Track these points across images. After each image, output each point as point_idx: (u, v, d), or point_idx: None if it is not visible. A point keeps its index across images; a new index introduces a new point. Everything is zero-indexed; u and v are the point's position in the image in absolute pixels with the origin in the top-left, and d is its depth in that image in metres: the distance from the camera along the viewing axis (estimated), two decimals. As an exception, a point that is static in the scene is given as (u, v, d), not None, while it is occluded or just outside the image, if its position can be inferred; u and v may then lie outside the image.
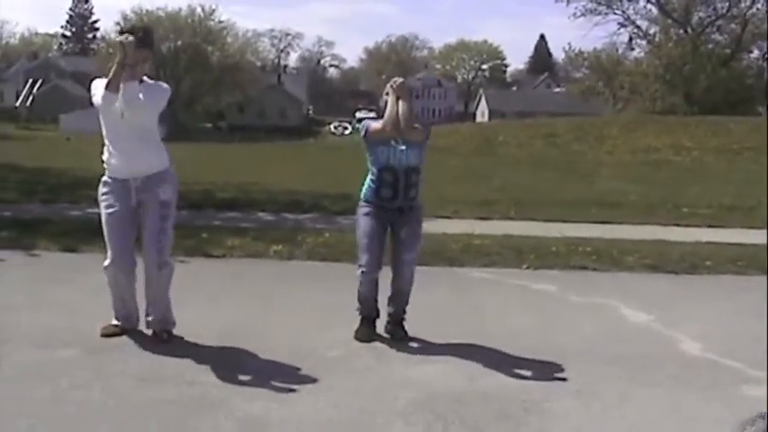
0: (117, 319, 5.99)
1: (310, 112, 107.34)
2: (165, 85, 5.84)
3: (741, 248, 10.14)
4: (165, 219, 5.70)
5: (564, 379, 5.42)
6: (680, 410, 4.79)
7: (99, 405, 4.69)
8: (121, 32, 5.63)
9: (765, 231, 11.04)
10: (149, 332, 5.92)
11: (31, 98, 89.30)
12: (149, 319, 5.91)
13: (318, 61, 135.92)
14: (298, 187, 15.29)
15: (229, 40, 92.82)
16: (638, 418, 4.80)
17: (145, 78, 5.65)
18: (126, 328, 5.95)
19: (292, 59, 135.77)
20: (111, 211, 5.70)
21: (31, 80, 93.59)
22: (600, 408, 4.93)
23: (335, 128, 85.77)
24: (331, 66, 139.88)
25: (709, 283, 8.65)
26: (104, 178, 5.73)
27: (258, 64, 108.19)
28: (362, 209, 6.09)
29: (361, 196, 6.12)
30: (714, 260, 9.42)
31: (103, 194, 5.74)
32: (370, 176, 6.07)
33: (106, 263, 5.78)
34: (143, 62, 5.56)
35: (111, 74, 5.47)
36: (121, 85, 5.43)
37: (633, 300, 7.60)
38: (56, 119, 72.34)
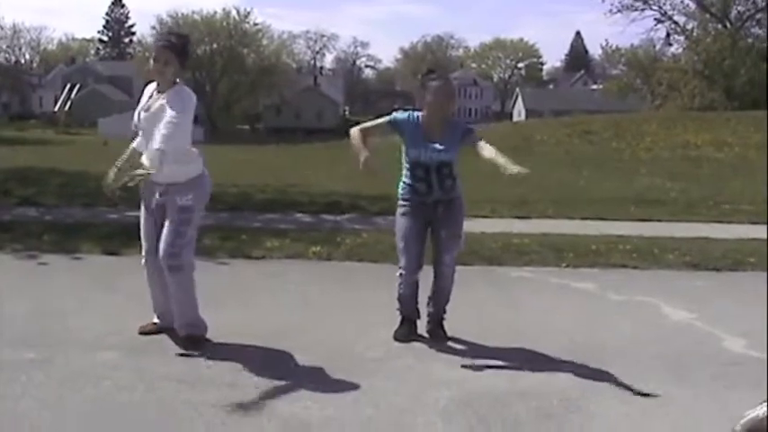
0: (157, 317, 6.05)
1: (347, 113, 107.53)
2: (188, 94, 5.71)
3: (784, 245, 10.02)
4: (181, 223, 5.67)
5: (605, 378, 5.38)
6: (723, 410, 4.73)
7: (142, 407, 4.74)
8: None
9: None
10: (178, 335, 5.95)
11: (69, 103, 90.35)
12: (178, 324, 5.93)
13: (354, 62, 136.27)
14: (336, 188, 15.30)
15: (265, 42, 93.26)
16: (680, 417, 4.76)
17: (177, 82, 5.69)
18: (164, 326, 6.01)
19: (328, 61, 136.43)
20: (142, 210, 5.89)
21: (69, 85, 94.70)
22: (642, 407, 4.90)
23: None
24: (367, 66, 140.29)
25: (752, 281, 8.53)
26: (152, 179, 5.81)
27: (294, 66, 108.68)
28: (401, 208, 6.07)
29: (399, 195, 6.11)
30: (757, 257, 9.31)
31: (141, 194, 5.86)
32: (403, 172, 6.06)
33: (142, 261, 5.90)
34: (167, 65, 5.60)
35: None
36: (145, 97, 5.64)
37: (674, 298, 7.53)
38: (94, 123, 73.10)
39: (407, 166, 5.98)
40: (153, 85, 5.72)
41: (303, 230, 10.73)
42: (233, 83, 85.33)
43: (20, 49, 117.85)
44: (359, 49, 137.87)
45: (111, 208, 12.12)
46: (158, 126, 5.41)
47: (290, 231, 10.45)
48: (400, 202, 6.07)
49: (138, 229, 5.96)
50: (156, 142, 5.35)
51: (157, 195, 5.71)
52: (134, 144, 5.91)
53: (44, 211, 11.87)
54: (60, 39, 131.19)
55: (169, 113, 5.42)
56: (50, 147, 37.24)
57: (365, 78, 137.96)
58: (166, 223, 5.69)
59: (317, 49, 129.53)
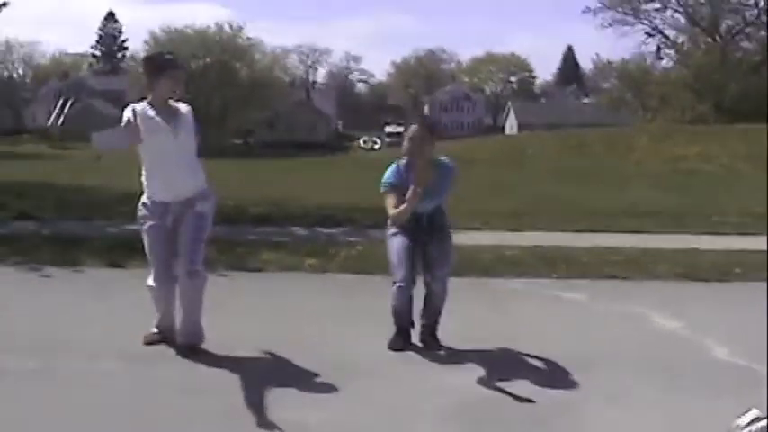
0: (157, 327, 6.20)
1: (339, 127, 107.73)
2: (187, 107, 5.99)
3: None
4: (199, 230, 5.87)
5: (596, 385, 5.52)
6: (711, 416, 4.85)
7: (144, 414, 4.87)
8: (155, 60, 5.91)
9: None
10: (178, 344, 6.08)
11: (62, 117, 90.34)
12: (179, 331, 6.09)
13: (346, 76, 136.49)
14: (329, 201, 15.44)
15: (257, 56, 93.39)
16: (669, 423, 4.90)
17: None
18: (166, 336, 6.15)
19: (320, 75, 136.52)
20: (151, 230, 5.93)
21: (62, 100, 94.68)
22: (632, 413, 5.04)
23: (365, 143, 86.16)
24: (359, 81, 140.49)
25: (740, 291, 8.70)
26: (144, 200, 5.94)
27: (287, 80, 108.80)
28: (391, 228, 6.23)
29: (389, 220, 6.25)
30: (744, 267, 9.48)
31: (143, 215, 5.96)
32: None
33: (149, 280, 6.02)
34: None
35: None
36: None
37: (664, 308, 7.67)
38: (87, 137, 72.91)
39: None
40: (143, 105, 5.78)
41: (298, 243, 10.87)
42: (226, 97, 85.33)
43: (13, 63, 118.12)
44: (351, 63, 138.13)
45: (109, 221, 12.29)
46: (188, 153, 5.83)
47: (285, 244, 10.59)
48: (391, 227, 6.23)
49: (138, 241, 6.09)
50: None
51: (172, 214, 5.86)
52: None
53: (42, 224, 11.97)
54: (53, 53, 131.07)
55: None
56: (44, 161, 37.39)
57: (358, 92, 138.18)
58: (183, 232, 5.84)
59: (310, 63, 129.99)
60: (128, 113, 5.63)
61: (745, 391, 5.22)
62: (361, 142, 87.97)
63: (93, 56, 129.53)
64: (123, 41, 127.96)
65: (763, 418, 4.41)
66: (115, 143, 5.82)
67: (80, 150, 60.87)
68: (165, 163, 5.77)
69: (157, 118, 5.71)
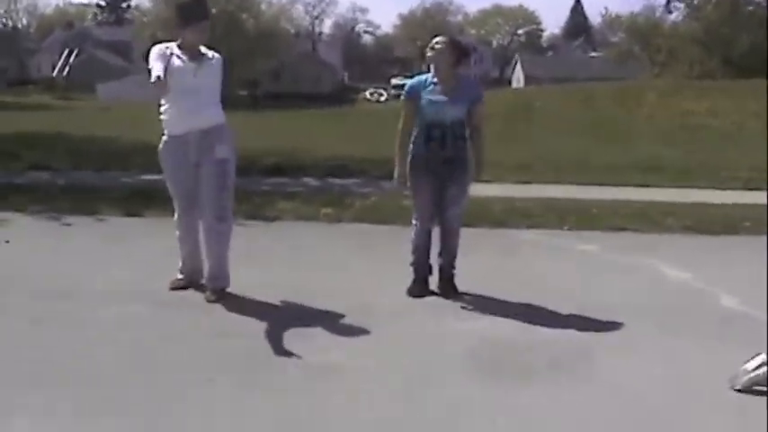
0: (182, 273, 6.39)
1: (345, 79, 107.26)
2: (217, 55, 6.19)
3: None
4: (222, 175, 6.00)
5: (609, 331, 5.70)
6: (720, 361, 5.01)
7: (173, 356, 5.05)
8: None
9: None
10: (205, 289, 6.27)
11: (67, 68, 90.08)
12: (207, 275, 6.26)
13: (353, 28, 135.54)
14: (340, 153, 15.55)
15: (263, 7, 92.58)
16: (681, 367, 5.06)
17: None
18: (192, 281, 6.34)
19: (326, 26, 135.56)
20: (172, 168, 6.11)
21: (67, 50, 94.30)
22: (644, 358, 5.21)
23: (371, 95, 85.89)
24: (365, 32, 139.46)
25: (748, 244, 8.84)
26: (164, 138, 6.09)
27: (292, 31, 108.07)
28: (414, 165, 6.31)
29: (412, 153, 6.33)
30: (752, 221, 9.62)
31: (164, 153, 6.12)
32: (417, 131, 6.29)
33: (176, 217, 6.23)
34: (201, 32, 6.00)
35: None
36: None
37: (673, 259, 7.83)
38: (92, 88, 72.93)
39: (422, 125, 6.24)
40: (171, 45, 5.98)
41: (312, 193, 11.04)
42: (231, 48, 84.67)
43: (17, 13, 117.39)
44: (358, 14, 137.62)
45: (124, 171, 12.43)
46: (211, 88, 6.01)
47: (299, 194, 10.77)
48: (413, 160, 6.33)
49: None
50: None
51: (193, 151, 5.99)
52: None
53: (56, 174, 12.12)
54: (57, 3, 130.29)
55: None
56: (51, 112, 37.38)
57: (364, 44, 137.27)
58: (207, 179, 5.98)
59: (316, 14, 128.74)
60: (154, 56, 5.79)
61: (754, 339, 5.37)
62: (368, 94, 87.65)
63: (98, 5, 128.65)
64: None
65: (770, 363, 4.59)
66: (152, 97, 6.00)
67: (85, 101, 60.98)
68: (183, 95, 5.91)
69: (181, 57, 5.92)
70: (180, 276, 6.39)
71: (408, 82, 6.48)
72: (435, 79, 6.23)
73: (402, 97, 6.48)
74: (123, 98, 54.81)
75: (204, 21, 6.01)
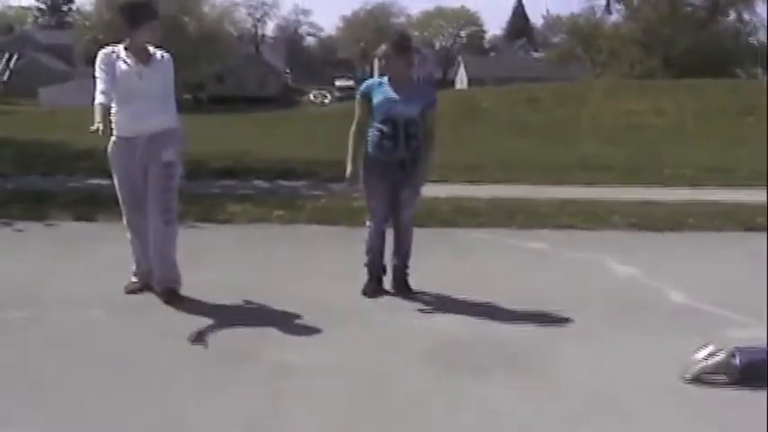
0: (135, 275, 6.38)
1: (289, 81, 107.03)
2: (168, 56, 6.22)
3: (721, 206, 10.60)
4: (167, 178, 6.02)
5: (561, 327, 5.84)
6: (669, 353, 5.16)
7: (136, 359, 5.06)
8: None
9: (748, 191, 11.47)
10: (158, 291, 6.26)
11: (8, 73, 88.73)
12: (156, 277, 6.26)
13: (296, 30, 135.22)
14: (288, 155, 15.56)
15: (206, 10, 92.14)
16: (632, 360, 5.20)
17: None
18: (146, 283, 6.34)
19: (269, 29, 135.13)
20: (120, 169, 6.11)
21: (7, 54, 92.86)
22: (597, 352, 5.34)
23: (315, 96, 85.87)
24: (309, 35, 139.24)
25: (692, 240, 9.08)
26: (113, 138, 6.07)
27: (235, 34, 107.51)
28: (367, 167, 6.38)
29: (367, 154, 6.40)
30: (695, 218, 9.85)
31: (112, 155, 6.12)
32: (371, 131, 6.36)
33: (125, 219, 6.22)
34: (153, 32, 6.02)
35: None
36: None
37: (621, 256, 8.00)
38: (34, 93, 71.91)
39: (376, 125, 6.31)
40: (118, 48, 6.00)
41: (263, 196, 11.05)
42: (175, 52, 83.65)
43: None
44: (300, 16, 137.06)
45: (70, 176, 12.33)
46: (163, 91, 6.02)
47: (250, 197, 10.77)
48: (367, 162, 6.40)
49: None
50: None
51: (140, 153, 5.99)
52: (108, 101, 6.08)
53: (4, 180, 11.99)
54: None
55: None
56: (-7, 117, 36.82)
57: (307, 46, 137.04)
58: (153, 182, 5.99)
59: (259, 16, 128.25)
60: (99, 67, 5.84)
61: (702, 331, 5.56)
62: (312, 96, 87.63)
63: (38, 9, 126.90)
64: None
65: (718, 353, 4.76)
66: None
67: (27, 106, 60.02)
68: (131, 98, 5.93)
69: (127, 60, 5.93)
70: (134, 279, 6.39)
71: (364, 82, 6.61)
72: (388, 80, 6.33)
73: (357, 97, 6.55)
74: (66, 102, 54.08)
75: (152, 21, 6.02)
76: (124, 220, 6.26)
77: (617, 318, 6.06)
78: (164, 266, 6.19)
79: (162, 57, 6.11)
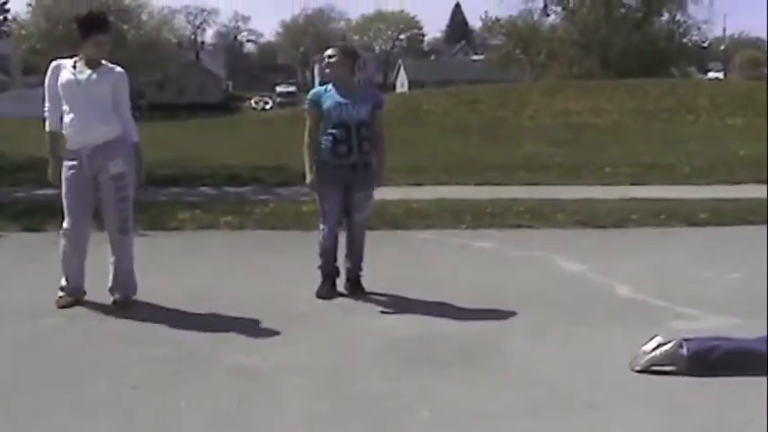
0: (63, 290, 6.28)
1: (230, 87, 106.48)
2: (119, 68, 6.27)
3: (663, 203, 10.82)
4: (120, 189, 6.09)
5: (514, 322, 5.97)
6: (619, 344, 5.31)
7: (93, 365, 5.08)
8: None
9: (689, 188, 11.74)
10: (111, 299, 6.28)
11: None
12: (113, 286, 6.28)
13: (235, 37, 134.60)
14: (233, 161, 15.53)
15: (144, 17, 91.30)
16: (583, 352, 5.34)
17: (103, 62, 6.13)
18: (77, 297, 6.29)
19: (209, 36, 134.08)
20: (68, 180, 6.11)
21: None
22: (550, 346, 5.48)
23: (256, 103, 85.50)
24: (248, 41, 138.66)
25: (635, 236, 9.30)
26: (67, 147, 6.12)
27: (175, 41, 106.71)
28: (321, 172, 6.46)
29: (320, 159, 6.46)
30: (638, 215, 10.07)
31: (65, 163, 6.13)
32: (323, 138, 6.44)
33: (64, 227, 6.18)
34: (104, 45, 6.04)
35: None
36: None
37: (567, 252, 8.18)
38: (-30, 103, 70.87)
39: (329, 131, 6.39)
40: (67, 61, 6.07)
41: (211, 202, 11.06)
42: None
43: None
44: (240, 23, 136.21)
45: (16, 186, 12.22)
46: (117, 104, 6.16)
47: (198, 204, 10.77)
48: (320, 167, 6.47)
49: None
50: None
51: (87, 165, 6.02)
52: (54, 126, 6.16)
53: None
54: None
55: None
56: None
57: (247, 53, 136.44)
58: (105, 195, 6.06)
59: (198, 23, 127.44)
60: (47, 84, 6.07)
61: (648, 323, 5.73)
62: (253, 102, 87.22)
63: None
64: (4, 3, 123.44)
65: (665, 344, 4.92)
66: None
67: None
68: (74, 110, 5.99)
69: (70, 71, 6.00)
70: (62, 294, 6.28)
71: (311, 91, 6.74)
72: (333, 86, 6.43)
73: (306, 106, 6.65)
74: (2, 113, 53.36)
75: (100, 35, 6.04)
76: (62, 228, 6.20)
77: (568, 312, 6.21)
78: (122, 274, 6.24)
79: (111, 69, 6.14)
